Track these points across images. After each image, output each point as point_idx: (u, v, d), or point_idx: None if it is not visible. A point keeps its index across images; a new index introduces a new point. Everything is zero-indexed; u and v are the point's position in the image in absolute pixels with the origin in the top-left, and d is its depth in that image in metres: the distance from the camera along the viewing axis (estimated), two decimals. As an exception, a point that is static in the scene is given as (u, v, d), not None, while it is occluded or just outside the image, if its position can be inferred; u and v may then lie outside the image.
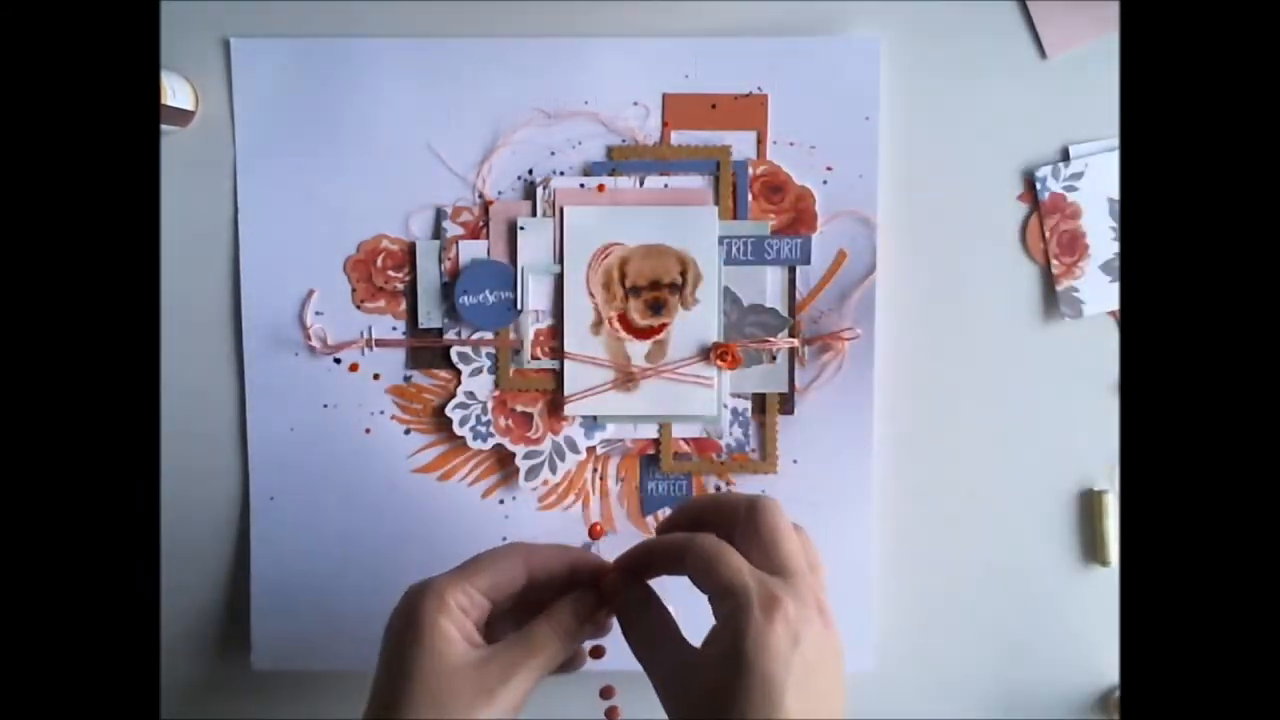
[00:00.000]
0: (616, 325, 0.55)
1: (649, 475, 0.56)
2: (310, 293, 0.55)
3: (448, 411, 0.55)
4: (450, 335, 0.56)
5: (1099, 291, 0.55)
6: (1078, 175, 0.55)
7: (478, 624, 0.41)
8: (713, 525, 0.42)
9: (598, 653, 0.46)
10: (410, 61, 0.55)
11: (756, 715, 0.36)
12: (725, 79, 0.55)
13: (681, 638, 0.40)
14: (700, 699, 0.37)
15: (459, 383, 0.56)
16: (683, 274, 0.54)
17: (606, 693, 0.48)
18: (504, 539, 0.56)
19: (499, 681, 0.39)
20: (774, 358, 0.55)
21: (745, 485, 0.56)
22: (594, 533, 0.52)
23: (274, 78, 0.55)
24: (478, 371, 0.55)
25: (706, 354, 0.55)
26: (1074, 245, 0.55)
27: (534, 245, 0.55)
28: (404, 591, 0.42)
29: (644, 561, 0.43)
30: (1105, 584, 0.56)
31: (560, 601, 0.42)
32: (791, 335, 0.55)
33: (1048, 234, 0.55)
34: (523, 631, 0.41)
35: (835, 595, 0.55)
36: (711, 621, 0.39)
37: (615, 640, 0.56)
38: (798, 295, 0.55)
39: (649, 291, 0.54)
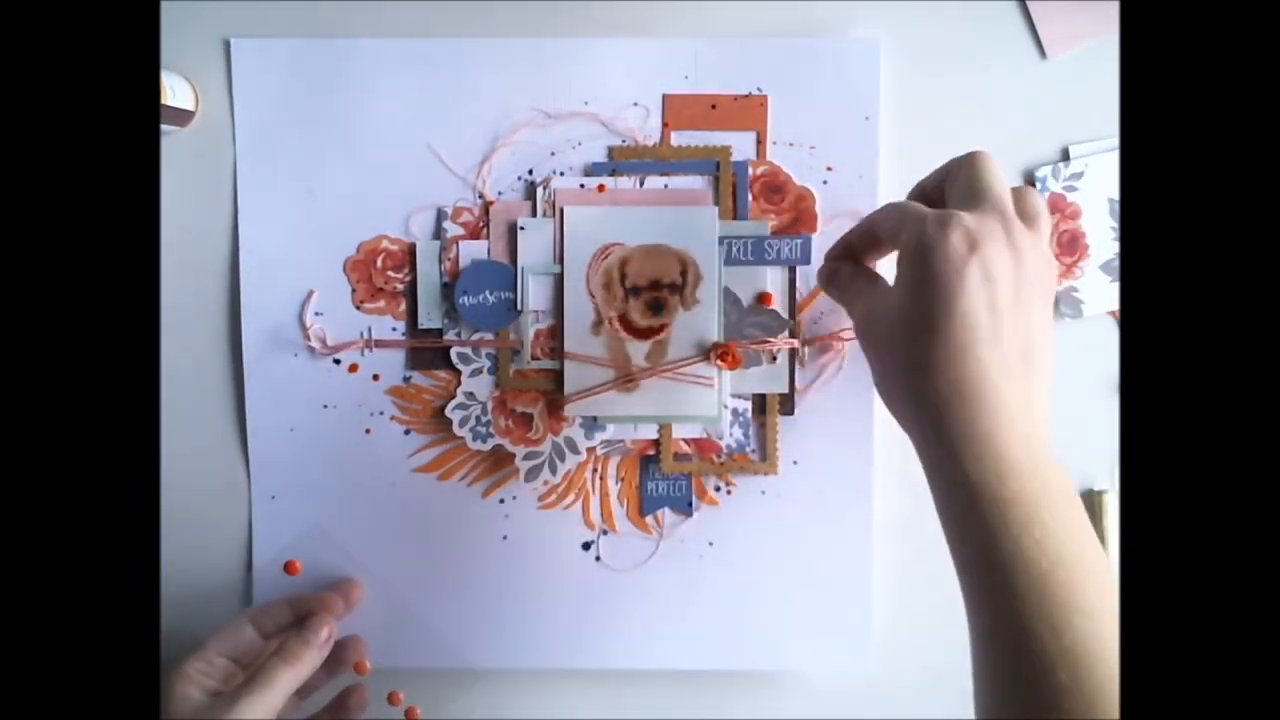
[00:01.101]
0: (616, 325, 0.55)
1: (649, 475, 0.56)
2: (310, 293, 0.55)
3: (448, 412, 0.55)
4: (450, 336, 0.56)
5: (1099, 291, 0.55)
6: (1078, 175, 0.55)
7: (223, 680, 0.50)
8: (937, 192, 0.45)
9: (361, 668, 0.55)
10: (410, 61, 0.55)
11: (930, 311, 0.38)
12: (725, 79, 0.55)
13: (887, 287, 0.43)
14: (893, 325, 0.40)
15: (459, 383, 0.56)
16: (683, 274, 0.54)
17: (394, 699, 0.56)
18: (504, 539, 0.56)
19: (224, 712, 0.47)
20: (774, 358, 0.55)
21: (745, 485, 0.56)
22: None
23: (274, 78, 0.55)
24: (478, 372, 0.55)
25: (706, 354, 0.54)
26: (1074, 245, 0.55)
27: (534, 245, 0.55)
28: None
29: (846, 251, 0.48)
30: (1105, 584, 0.56)
31: (288, 636, 0.51)
32: (792, 335, 0.55)
33: (1048, 234, 0.55)
34: (254, 668, 0.50)
35: (835, 595, 0.56)
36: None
37: (612, 641, 0.56)
38: (798, 295, 0.55)
39: (649, 292, 0.54)
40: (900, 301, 0.40)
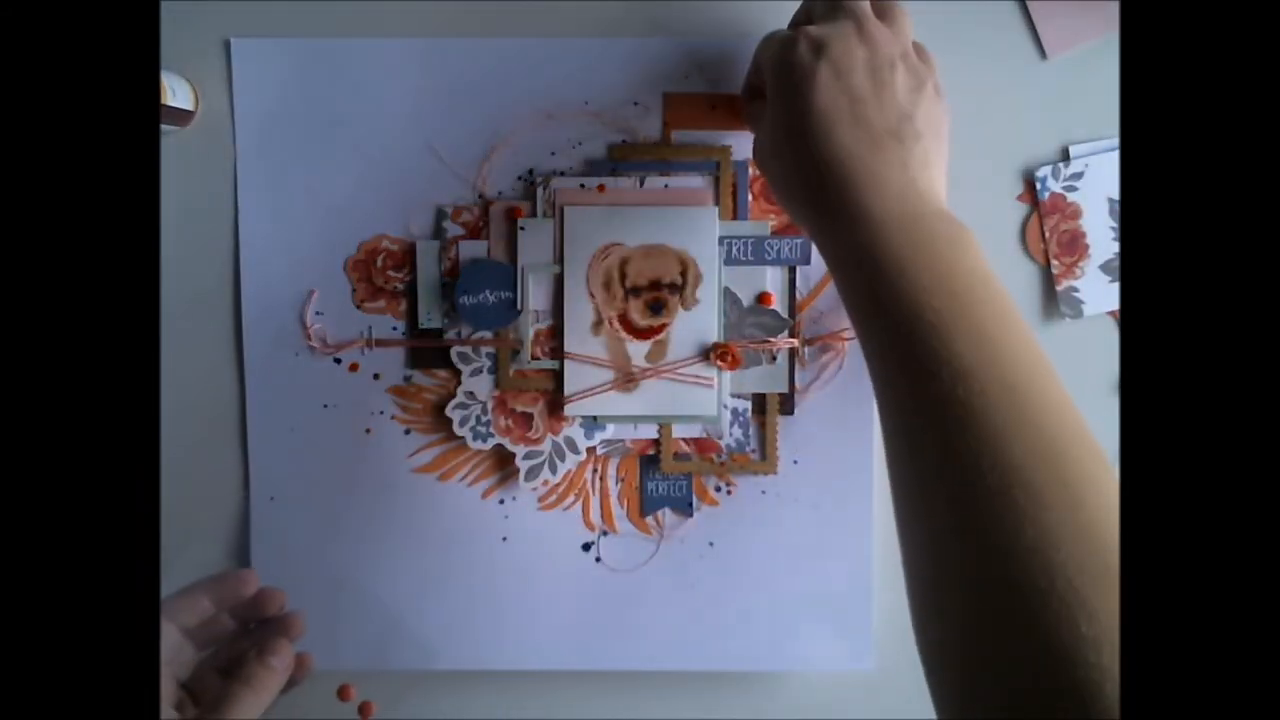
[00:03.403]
0: (616, 325, 0.55)
1: (649, 475, 0.56)
2: (311, 293, 0.55)
3: (448, 411, 0.55)
4: (450, 335, 0.56)
5: (1099, 291, 0.55)
6: (1078, 175, 0.55)
7: (164, 692, 0.44)
8: None
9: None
10: (410, 61, 0.55)
11: (791, 115, 0.42)
12: (725, 79, 0.55)
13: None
14: (769, 137, 0.44)
15: (459, 383, 0.56)
16: (683, 274, 0.54)
17: (344, 694, 0.52)
18: (504, 539, 0.56)
19: None
20: (774, 358, 0.55)
21: (745, 485, 0.56)
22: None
23: (274, 78, 0.55)
24: (478, 371, 0.55)
25: (706, 354, 0.55)
26: (1074, 245, 0.55)
27: (534, 245, 0.55)
28: None
29: (753, 90, 0.51)
30: (1105, 584, 0.56)
31: (247, 661, 0.45)
32: (792, 335, 0.55)
33: (1048, 234, 0.55)
34: (207, 698, 0.45)
35: (835, 595, 0.56)
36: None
37: (612, 641, 0.56)
38: (798, 295, 0.55)
39: (649, 291, 0.54)
40: (771, 115, 0.44)
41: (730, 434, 0.56)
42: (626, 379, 0.55)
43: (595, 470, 0.56)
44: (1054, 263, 0.55)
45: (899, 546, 0.39)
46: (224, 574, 0.48)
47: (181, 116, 0.54)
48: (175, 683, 0.46)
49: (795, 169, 0.43)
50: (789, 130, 0.43)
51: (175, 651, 0.46)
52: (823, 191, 0.42)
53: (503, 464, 0.56)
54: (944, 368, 0.37)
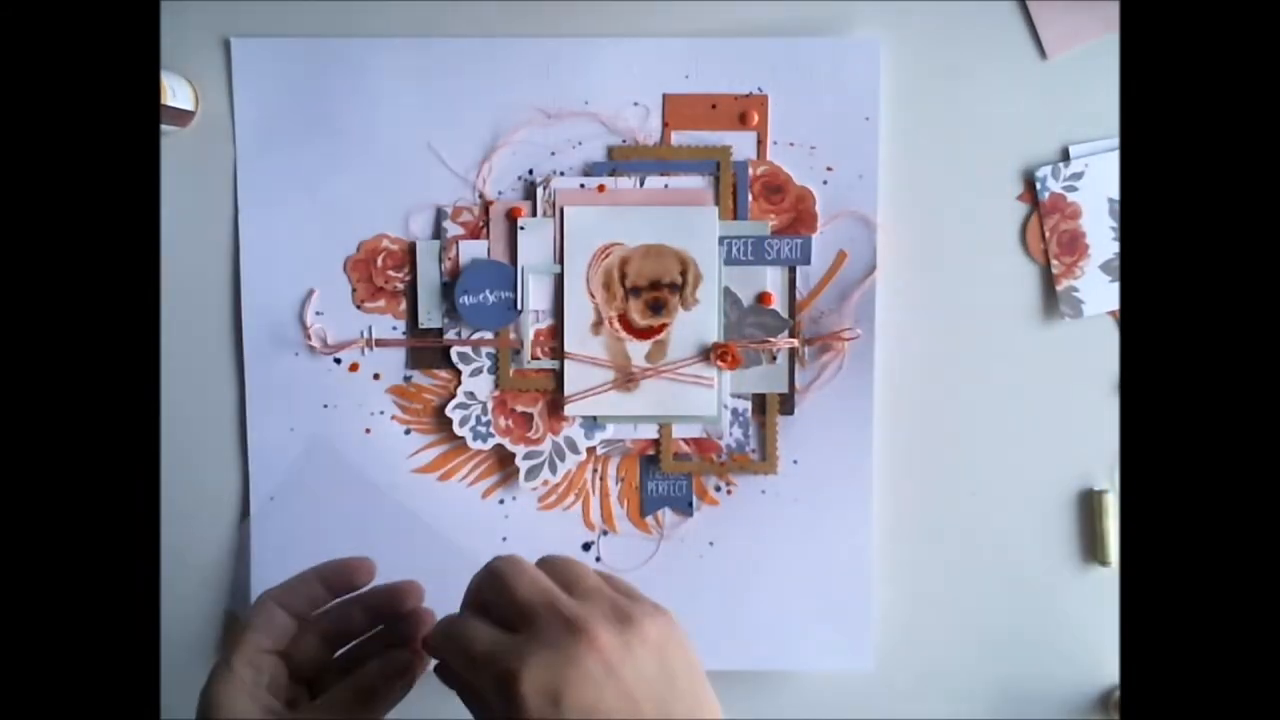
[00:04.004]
0: (616, 325, 0.55)
1: (649, 475, 0.56)
2: (310, 293, 0.55)
3: (448, 411, 0.55)
4: (450, 335, 0.56)
5: (1099, 291, 0.55)
6: (1078, 175, 0.55)
7: (272, 684, 0.41)
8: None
9: None
10: (410, 61, 0.55)
11: None
12: (725, 79, 0.55)
13: None
14: None
15: (459, 383, 0.56)
16: (683, 274, 0.54)
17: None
18: (504, 540, 0.56)
19: None
20: (774, 358, 0.55)
21: (745, 485, 0.56)
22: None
23: (274, 78, 0.55)
24: (478, 371, 0.55)
25: (706, 354, 0.54)
26: (1074, 245, 0.55)
27: (534, 245, 0.55)
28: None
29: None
30: (1105, 584, 0.56)
31: (366, 666, 0.42)
32: (792, 335, 0.55)
33: (1048, 234, 0.55)
34: (323, 698, 0.41)
35: (835, 595, 0.56)
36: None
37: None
38: (798, 295, 0.55)
39: (649, 292, 0.54)
40: None
41: (730, 434, 0.56)
42: (626, 379, 0.55)
43: (595, 470, 0.56)
44: (1054, 263, 0.55)
45: None
46: (342, 561, 0.45)
47: (181, 116, 0.54)
48: (286, 674, 0.42)
49: None
50: None
51: (284, 634, 0.43)
52: None
53: (503, 464, 0.56)
54: None
